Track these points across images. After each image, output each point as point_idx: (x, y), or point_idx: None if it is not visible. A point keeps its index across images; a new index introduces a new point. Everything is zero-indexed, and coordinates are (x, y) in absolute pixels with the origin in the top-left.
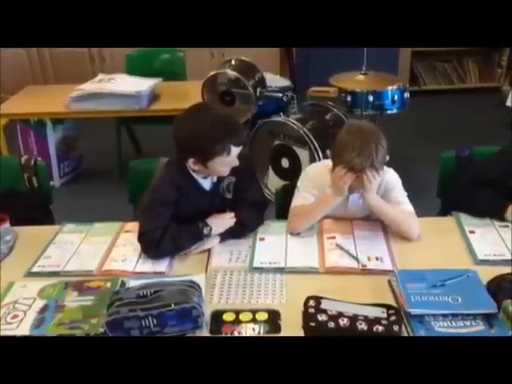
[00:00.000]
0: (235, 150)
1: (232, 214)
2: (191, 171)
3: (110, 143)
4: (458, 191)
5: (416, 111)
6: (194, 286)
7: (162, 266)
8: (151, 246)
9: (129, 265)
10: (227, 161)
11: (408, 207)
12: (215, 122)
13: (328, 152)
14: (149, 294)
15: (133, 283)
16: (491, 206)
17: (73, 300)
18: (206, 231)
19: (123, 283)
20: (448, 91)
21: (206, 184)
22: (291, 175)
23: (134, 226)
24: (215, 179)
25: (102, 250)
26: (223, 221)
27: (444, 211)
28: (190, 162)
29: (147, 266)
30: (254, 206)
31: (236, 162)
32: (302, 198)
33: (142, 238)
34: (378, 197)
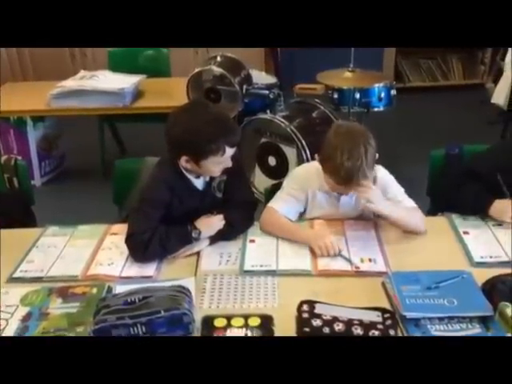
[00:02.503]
0: (229, 151)
1: (221, 217)
2: (184, 170)
3: (92, 141)
4: (447, 185)
5: (401, 108)
6: (183, 291)
7: (149, 270)
8: (139, 249)
9: (115, 269)
10: (220, 161)
11: (410, 203)
12: (211, 120)
13: (316, 156)
14: (137, 300)
15: (120, 289)
16: (478, 200)
17: (57, 307)
18: (194, 234)
19: (110, 289)
20: (433, 88)
21: (199, 183)
22: (278, 174)
23: (120, 228)
24: (208, 178)
25: (87, 254)
26: (212, 223)
27: (434, 210)
28: (183, 160)
29: (134, 270)
30: (244, 206)
31: (229, 163)
32: (281, 199)
33: (129, 239)
34: (387, 203)
